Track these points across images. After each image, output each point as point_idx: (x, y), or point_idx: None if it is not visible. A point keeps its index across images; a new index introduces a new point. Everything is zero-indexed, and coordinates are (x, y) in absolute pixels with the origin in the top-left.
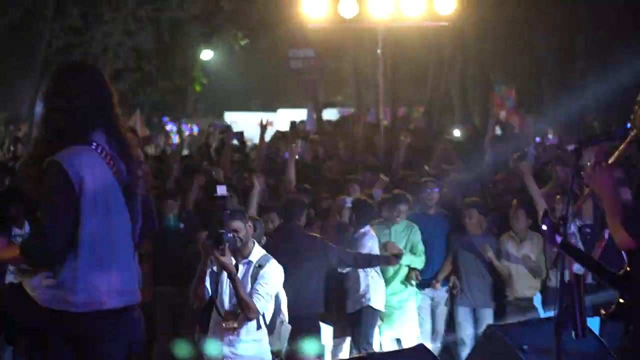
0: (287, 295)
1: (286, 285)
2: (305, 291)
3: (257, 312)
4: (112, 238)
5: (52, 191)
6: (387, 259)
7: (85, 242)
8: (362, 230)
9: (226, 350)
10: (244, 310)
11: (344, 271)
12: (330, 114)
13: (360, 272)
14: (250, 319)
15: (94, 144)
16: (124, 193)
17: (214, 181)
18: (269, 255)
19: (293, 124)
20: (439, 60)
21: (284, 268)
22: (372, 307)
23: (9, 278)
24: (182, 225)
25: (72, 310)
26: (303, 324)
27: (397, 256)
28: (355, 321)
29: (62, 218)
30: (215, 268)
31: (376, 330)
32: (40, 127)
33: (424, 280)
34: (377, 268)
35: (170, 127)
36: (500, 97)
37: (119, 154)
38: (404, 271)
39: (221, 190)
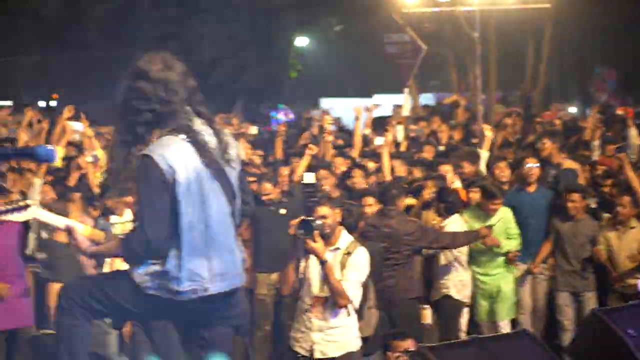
0: (386, 278)
1: (385, 268)
2: (404, 274)
3: (348, 298)
4: (210, 224)
5: (147, 186)
6: (482, 235)
7: (185, 231)
8: (450, 218)
9: (315, 337)
10: (334, 297)
11: (432, 253)
12: (426, 99)
13: (442, 260)
14: (341, 306)
15: (183, 133)
16: (218, 177)
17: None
18: (357, 242)
19: (396, 107)
20: (537, 42)
21: (382, 252)
22: (452, 298)
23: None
24: (283, 211)
25: (178, 298)
26: (403, 307)
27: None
28: (438, 309)
29: (160, 211)
30: (304, 255)
31: (463, 318)
32: (125, 119)
33: (522, 261)
34: (464, 259)
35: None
36: (600, 80)
37: (209, 140)
38: (500, 257)
39: (308, 177)
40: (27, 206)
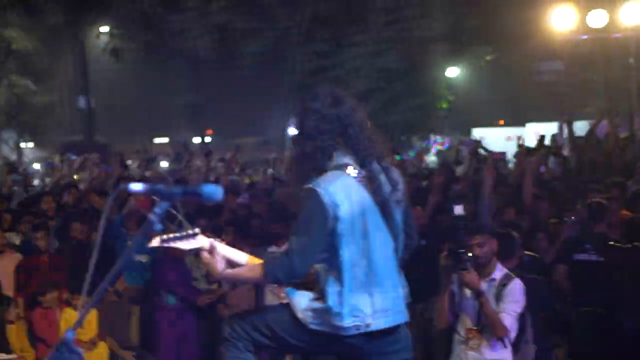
0: None
1: None
2: None
3: (505, 330)
4: (373, 259)
5: (307, 218)
6: None
7: (347, 267)
8: None
9: None
10: (491, 329)
11: None
12: (581, 127)
13: None
14: (498, 338)
15: (348, 167)
16: (382, 211)
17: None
18: (512, 274)
19: (542, 138)
20: None
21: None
22: None
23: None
24: (423, 242)
25: (341, 333)
26: None
27: None
28: None
29: (313, 244)
30: (456, 287)
31: None
32: (292, 153)
33: None
34: None
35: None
36: None
37: (374, 173)
38: None
39: (458, 209)
40: (195, 234)
